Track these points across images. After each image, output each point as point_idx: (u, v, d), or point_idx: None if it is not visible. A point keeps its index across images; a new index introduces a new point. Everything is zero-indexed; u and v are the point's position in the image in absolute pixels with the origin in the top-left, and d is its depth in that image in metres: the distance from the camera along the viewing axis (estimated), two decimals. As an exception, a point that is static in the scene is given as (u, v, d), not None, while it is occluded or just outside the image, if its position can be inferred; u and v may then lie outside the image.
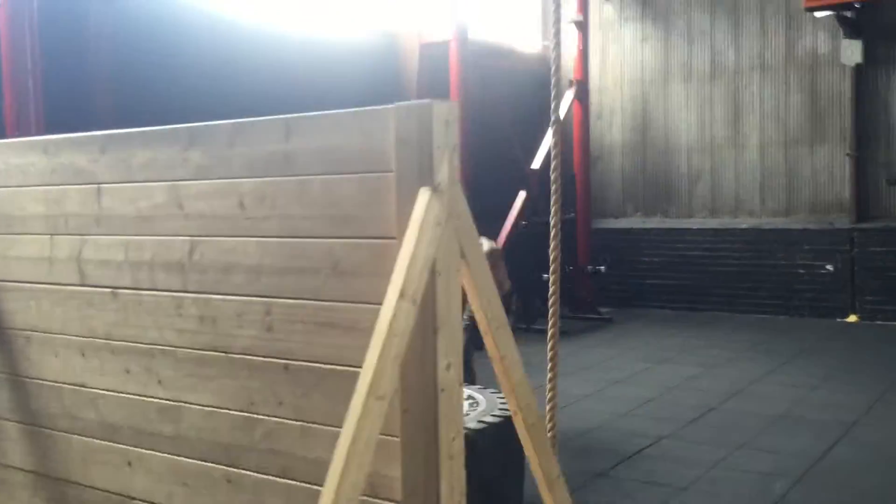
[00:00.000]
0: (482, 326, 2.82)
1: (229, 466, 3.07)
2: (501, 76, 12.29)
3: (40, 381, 3.63)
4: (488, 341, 2.84)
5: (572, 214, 12.64)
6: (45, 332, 3.61)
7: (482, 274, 2.74)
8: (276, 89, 9.18)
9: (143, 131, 3.27)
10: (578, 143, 13.02)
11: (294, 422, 2.92)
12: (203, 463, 3.16)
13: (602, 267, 12.59)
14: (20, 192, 3.64)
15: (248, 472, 3.01)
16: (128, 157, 3.31)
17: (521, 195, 11.58)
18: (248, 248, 3.00)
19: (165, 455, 3.26)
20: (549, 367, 4.13)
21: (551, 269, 4.12)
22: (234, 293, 3.04)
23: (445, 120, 2.56)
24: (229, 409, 3.09)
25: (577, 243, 13.01)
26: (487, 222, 11.44)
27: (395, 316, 2.42)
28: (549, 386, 4.17)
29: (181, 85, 8.30)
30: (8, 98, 5.91)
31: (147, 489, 3.31)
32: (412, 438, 2.59)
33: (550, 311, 4.11)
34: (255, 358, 2.99)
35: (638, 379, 8.51)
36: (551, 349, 4.13)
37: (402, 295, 2.44)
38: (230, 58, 8.67)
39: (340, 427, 2.76)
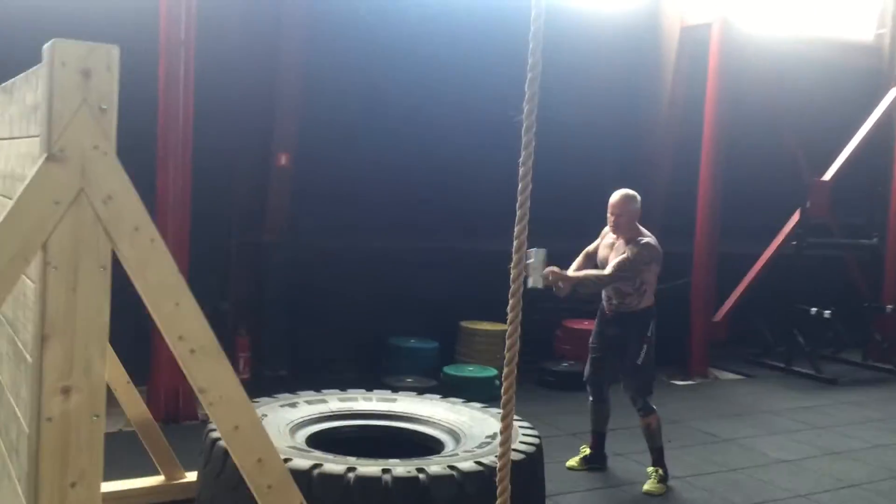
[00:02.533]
0: (176, 350, 2.14)
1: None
2: (804, 69, 10.41)
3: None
4: (184, 368, 2.16)
5: (874, 239, 10.36)
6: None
7: (158, 273, 2.07)
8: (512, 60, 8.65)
9: None
10: (905, 153, 10.59)
11: None
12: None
13: (891, 306, 10.14)
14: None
15: None
16: None
17: (797, 212, 9.71)
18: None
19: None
20: (501, 416, 3.18)
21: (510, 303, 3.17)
22: None
23: (83, 68, 1.95)
24: None
25: (885, 276, 10.64)
26: (745, 240, 9.83)
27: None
28: (500, 441, 3.22)
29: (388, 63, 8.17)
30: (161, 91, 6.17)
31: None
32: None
33: (507, 351, 3.15)
34: None
35: (867, 454, 6.63)
36: (505, 392, 3.17)
37: (-39, 289, 1.90)
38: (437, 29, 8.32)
39: None
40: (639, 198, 5.44)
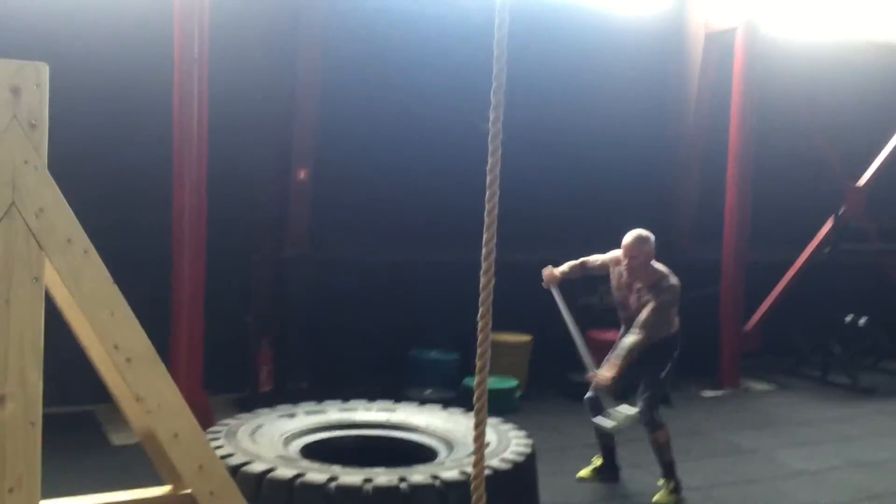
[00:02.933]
0: (113, 359, 2.19)
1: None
2: (836, 72, 10.16)
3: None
4: (122, 377, 2.21)
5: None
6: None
7: (92, 283, 2.13)
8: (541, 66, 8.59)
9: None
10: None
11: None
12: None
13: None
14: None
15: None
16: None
17: (831, 218, 9.48)
18: None
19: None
20: (475, 423, 3.18)
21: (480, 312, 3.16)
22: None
23: (12, 86, 2.02)
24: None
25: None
26: (777, 248, 9.61)
27: None
28: (474, 449, 3.22)
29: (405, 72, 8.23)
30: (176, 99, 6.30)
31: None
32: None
33: (479, 359, 3.14)
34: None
35: (893, 466, 6.44)
36: (477, 399, 3.17)
37: None
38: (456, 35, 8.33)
39: None
40: (652, 237, 5.35)
